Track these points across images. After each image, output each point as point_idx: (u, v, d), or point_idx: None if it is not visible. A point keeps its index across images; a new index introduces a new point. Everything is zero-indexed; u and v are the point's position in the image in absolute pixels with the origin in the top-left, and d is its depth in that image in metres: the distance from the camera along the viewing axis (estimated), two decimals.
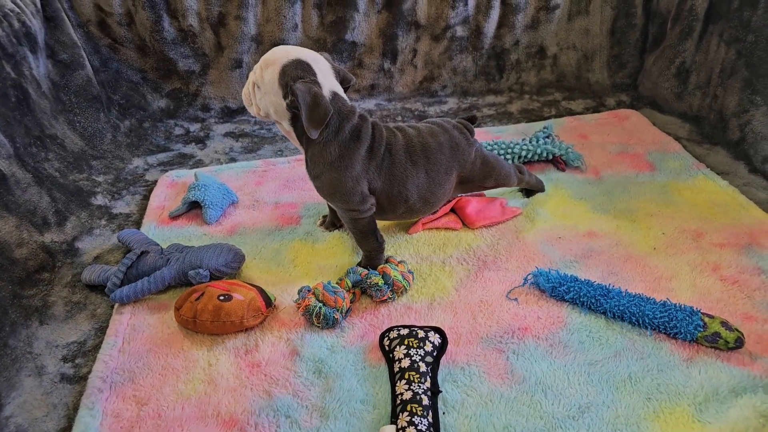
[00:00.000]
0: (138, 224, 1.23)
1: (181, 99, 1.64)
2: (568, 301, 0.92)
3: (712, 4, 1.40)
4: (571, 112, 1.56)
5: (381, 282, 0.92)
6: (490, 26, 1.63)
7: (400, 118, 1.58)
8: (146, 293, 0.98)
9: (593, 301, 0.89)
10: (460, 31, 1.63)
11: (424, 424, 0.71)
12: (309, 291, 0.92)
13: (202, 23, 1.55)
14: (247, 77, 0.99)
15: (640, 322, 0.87)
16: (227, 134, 1.58)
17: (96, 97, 1.48)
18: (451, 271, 1.01)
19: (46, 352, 0.92)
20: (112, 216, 1.27)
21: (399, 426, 0.71)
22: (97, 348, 0.93)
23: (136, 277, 1.01)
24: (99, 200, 1.30)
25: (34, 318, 0.98)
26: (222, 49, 1.59)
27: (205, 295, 0.90)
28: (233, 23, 1.55)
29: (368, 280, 0.92)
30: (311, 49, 1.08)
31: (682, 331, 0.83)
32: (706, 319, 0.83)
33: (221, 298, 0.89)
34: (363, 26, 1.59)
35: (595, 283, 0.91)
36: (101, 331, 0.97)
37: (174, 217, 1.22)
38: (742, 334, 0.82)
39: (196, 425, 0.78)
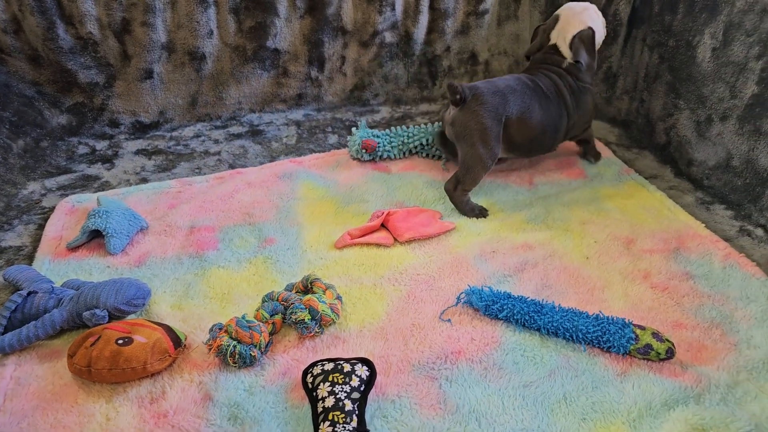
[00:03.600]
0: (30, 258, 1.13)
1: (84, 114, 1.54)
2: (502, 319, 0.92)
3: (635, 9, 1.46)
4: None
5: (308, 318, 0.87)
6: (420, 32, 1.63)
7: (330, 128, 1.55)
8: (33, 340, 0.89)
9: (527, 318, 0.89)
10: (389, 37, 1.62)
11: None
12: (221, 329, 0.86)
13: (103, 30, 1.46)
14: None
15: (574, 338, 0.87)
16: (139, 152, 1.49)
17: None
18: (382, 293, 0.99)
19: None
20: (0, 251, 1.16)
21: None
22: None
23: (22, 321, 0.92)
24: None
25: None
26: (129, 59, 1.50)
27: (102, 340, 0.83)
28: (140, 30, 1.47)
29: (293, 316, 0.88)
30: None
31: (615, 344, 0.85)
32: (638, 331, 0.85)
33: (120, 342, 0.82)
34: (285, 32, 1.55)
35: (529, 299, 0.91)
36: None
37: (73, 248, 1.13)
38: (673, 345, 0.84)
39: None
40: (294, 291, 0.95)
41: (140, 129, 1.57)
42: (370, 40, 1.61)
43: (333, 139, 1.50)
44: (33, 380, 0.86)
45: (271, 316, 0.90)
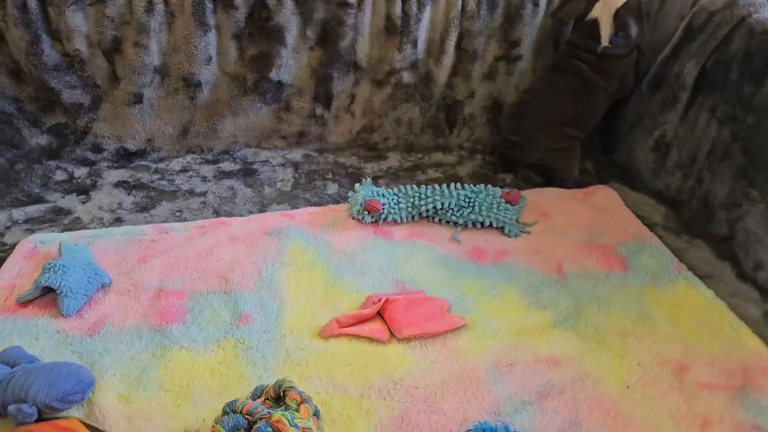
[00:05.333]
0: None
1: (66, 136, 1.44)
2: None
3: (705, 72, 1.27)
4: (531, 181, 1.44)
5: None
6: (442, 74, 1.51)
7: (330, 175, 1.43)
8: None
9: None
10: (407, 76, 1.50)
11: None
12: None
13: (92, 48, 1.35)
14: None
15: None
16: (119, 184, 1.38)
17: None
18: (370, 409, 0.84)
19: None
20: None
21: None
22: None
23: None
24: None
25: None
26: (118, 81, 1.40)
27: None
28: (131, 51, 1.37)
29: None
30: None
31: None
32: None
33: None
34: (291, 64, 1.44)
35: None
36: None
37: (23, 302, 1.02)
38: None
39: None
40: (263, 398, 0.82)
41: (124, 157, 1.46)
42: (385, 79, 1.49)
43: (333, 188, 1.38)
44: None
45: (240, 428, 0.77)
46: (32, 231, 1.22)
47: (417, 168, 1.48)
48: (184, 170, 1.43)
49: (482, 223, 1.21)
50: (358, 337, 0.95)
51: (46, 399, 0.78)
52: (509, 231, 1.20)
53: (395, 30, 1.43)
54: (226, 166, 1.46)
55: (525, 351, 0.95)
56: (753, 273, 1.11)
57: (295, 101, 1.49)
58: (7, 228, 1.23)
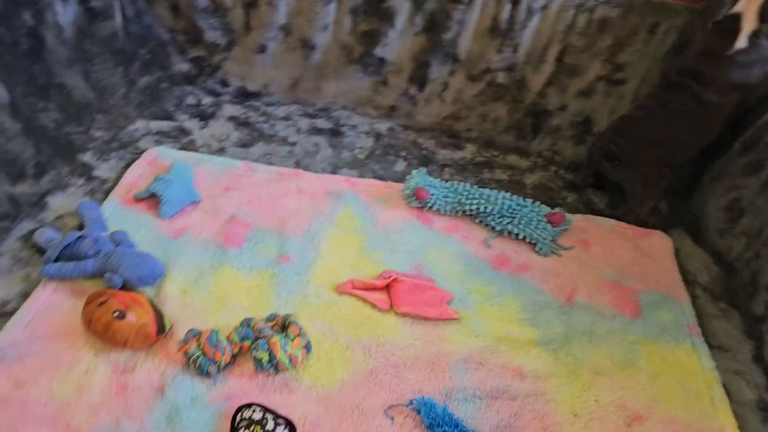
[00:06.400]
0: (106, 194, 1.36)
1: (203, 68, 1.75)
2: None
3: None
4: (590, 206, 1.48)
5: (266, 360, 0.98)
6: (537, 82, 1.56)
7: (404, 153, 1.59)
8: (67, 277, 1.11)
9: None
10: (501, 77, 1.58)
11: None
12: (194, 336, 1.01)
13: (234, 0, 1.61)
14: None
15: None
16: (232, 118, 1.67)
17: (120, 50, 1.61)
18: (349, 359, 1.05)
19: None
20: (90, 178, 1.41)
21: None
22: (12, 313, 1.08)
23: (69, 258, 1.15)
24: (87, 157, 1.45)
25: None
26: (249, 30, 1.66)
27: (105, 305, 1.02)
28: (264, 7, 1.60)
29: (255, 352, 0.99)
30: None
31: None
32: None
33: (116, 314, 1.00)
34: (396, 44, 1.59)
35: None
36: (24, 297, 1.12)
37: (137, 199, 1.35)
38: None
39: (45, 431, 0.91)
40: (273, 324, 1.06)
41: (243, 95, 1.74)
42: (480, 76, 1.59)
43: (400, 166, 1.54)
44: (58, 310, 1.08)
45: (240, 340, 1.02)
46: (159, 143, 1.55)
47: (487, 165, 1.58)
48: (285, 118, 1.68)
49: (517, 235, 1.31)
50: (364, 300, 1.15)
51: (130, 275, 1.08)
52: (540, 248, 1.29)
53: (499, 32, 1.50)
54: (321, 123, 1.67)
55: (498, 357, 1.08)
56: None
57: (393, 78, 1.64)
58: (143, 136, 1.58)
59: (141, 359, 1.02)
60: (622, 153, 1.39)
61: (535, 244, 1.30)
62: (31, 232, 1.22)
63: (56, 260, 1.14)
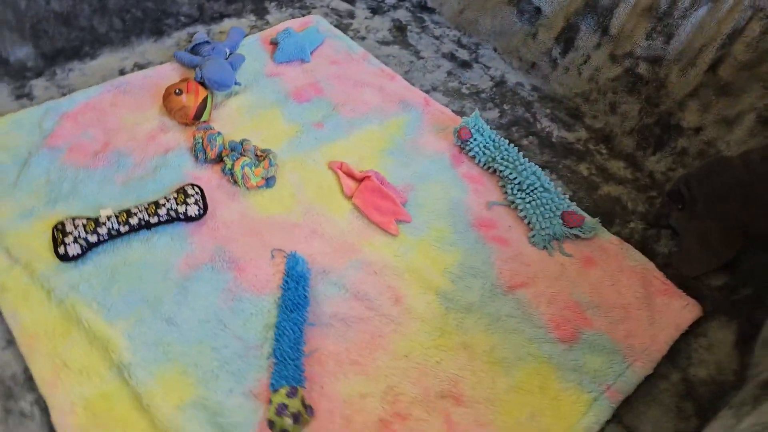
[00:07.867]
0: (261, 29, 1.73)
1: None
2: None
3: None
4: (648, 244, 1.24)
5: (228, 166, 1.22)
6: (680, 89, 1.33)
7: (507, 107, 1.55)
8: (184, 62, 1.52)
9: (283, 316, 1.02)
10: (642, 66, 1.38)
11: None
12: (205, 130, 1.31)
13: None
14: None
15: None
16: (395, 20, 1.85)
17: None
18: (289, 206, 1.22)
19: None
20: (261, 18, 1.78)
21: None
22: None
23: (194, 52, 1.55)
24: (271, 5, 1.84)
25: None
26: None
27: (179, 84, 1.39)
28: None
29: (225, 159, 1.24)
30: None
31: None
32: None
33: (176, 91, 1.36)
34: None
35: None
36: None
37: (273, 43, 1.68)
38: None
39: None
40: (257, 151, 1.29)
41: (421, 6, 1.90)
42: (621, 58, 1.42)
43: (493, 115, 1.51)
44: (166, 78, 1.50)
45: (230, 149, 1.29)
46: (326, 16, 1.84)
47: (580, 157, 1.41)
48: (436, 38, 1.78)
49: (522, 214, 1.24)
50: (339, 181, 1.28)
51: (207, 74, 1.42)
52: (532, 236, 1.20)
53: (655, 13, 1.31)
54: (461, 53, 1.73)
55: (395, 280, 1.11)
56: None
57: (543, 32, 1.59)
58: (320, 6, 1.89)
59: (175, 128, 1.36)
60: (690, 197, 1.15)
61: (531, 229, 1.21)
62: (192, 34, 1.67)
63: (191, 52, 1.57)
